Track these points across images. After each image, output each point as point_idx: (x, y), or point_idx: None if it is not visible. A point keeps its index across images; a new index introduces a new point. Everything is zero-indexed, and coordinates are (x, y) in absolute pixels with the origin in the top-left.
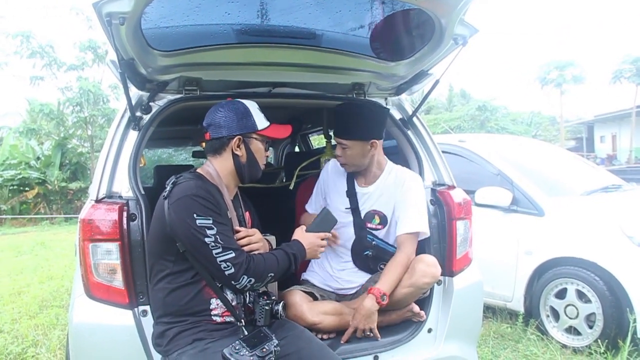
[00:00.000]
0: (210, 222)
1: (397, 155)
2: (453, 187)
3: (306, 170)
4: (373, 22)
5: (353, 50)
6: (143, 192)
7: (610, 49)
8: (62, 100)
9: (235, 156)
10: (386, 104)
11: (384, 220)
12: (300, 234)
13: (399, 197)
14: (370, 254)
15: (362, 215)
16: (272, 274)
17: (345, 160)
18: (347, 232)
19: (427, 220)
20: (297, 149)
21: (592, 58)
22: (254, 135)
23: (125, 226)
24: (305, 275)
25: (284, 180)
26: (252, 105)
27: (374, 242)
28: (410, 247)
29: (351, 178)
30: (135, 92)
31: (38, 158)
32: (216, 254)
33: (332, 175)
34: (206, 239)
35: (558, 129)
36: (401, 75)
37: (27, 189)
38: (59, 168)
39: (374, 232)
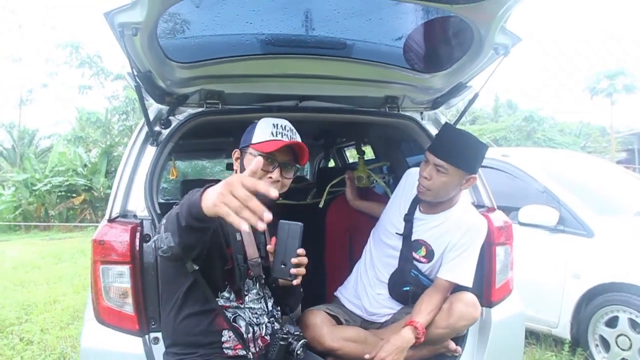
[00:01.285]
0: None
1: None
2: (493, 209)
3: (338, 187)
4: (407, 31)
5: (386, 61)
6: (159, 212)
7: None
8: (109, 108)
9: (236, 172)
10: (421, 118)
11: (430, 255)
12: None
13: (455, 240)
14: (410, 290)
15: (410, 242)
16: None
17: (433, 185)
18: (389, 260)
19: (474, 273)
20: (333, 163)
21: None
22: (249, 150)
23: (137, 248)
24: (338, 291)
25: (315, 198)
26: (266, 121)
27: (416, 277)
28: (448, 292)
29: (416, 201)
30: (154, 106)
31: (85, 165)
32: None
33: (406, 187)
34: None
35: (608, 140)
36: (437, 88)
37: (74, 195)
38: (105, 175)
39: (417, 263)
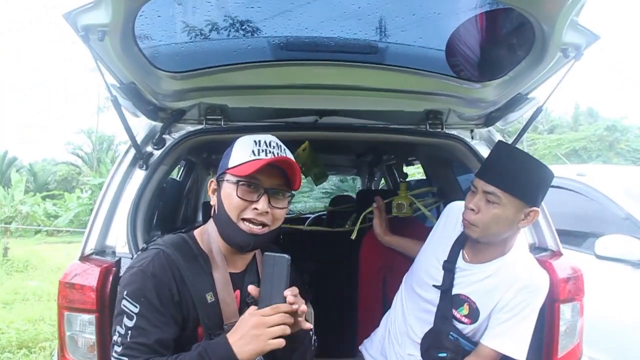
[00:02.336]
0: (136, 310)
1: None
2: (558, 253)
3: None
4: (451, 30)
5: (426, 68)
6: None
7: None
8: None
9: (212, 208)
10: (471, 137)
11: (474, 314)
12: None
13: (507, 298)
14: (447, 357)
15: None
16: None
17: (482, 220)
18: (424, 315)
19: (528, 342)
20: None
21: None
22: (225, 176)
23: (108, 294)
24: (363, 346)
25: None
26: (245, 140)
27: (456, 341)
28: None
29: (459, 244)
30: (146, 123)
31: None
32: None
33: (447, 226)
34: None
35: None
36: (491, 100)
37: None
38: None
39: (457, 323)
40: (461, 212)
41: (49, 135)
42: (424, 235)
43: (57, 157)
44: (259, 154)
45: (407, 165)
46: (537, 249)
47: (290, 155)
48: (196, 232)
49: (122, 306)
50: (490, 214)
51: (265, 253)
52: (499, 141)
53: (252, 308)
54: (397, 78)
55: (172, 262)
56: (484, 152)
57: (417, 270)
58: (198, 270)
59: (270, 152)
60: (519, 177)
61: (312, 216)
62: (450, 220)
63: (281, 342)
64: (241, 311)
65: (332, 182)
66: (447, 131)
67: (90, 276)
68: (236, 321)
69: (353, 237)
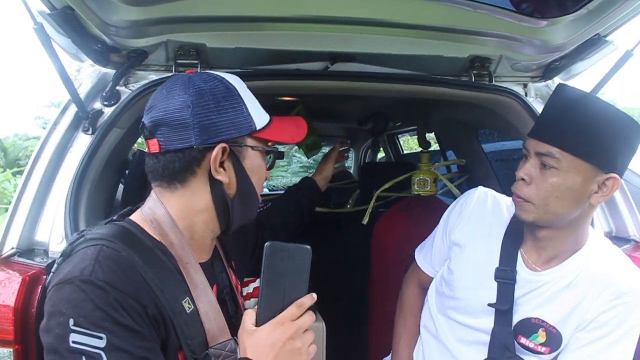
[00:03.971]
0: (102, 344)
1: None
2: None
3: (390, 193)
4: None
5: None
6: None
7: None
8: None
9: (215, 185)
10: (525, 94)
11: (554, 342)
12: (243, 341)
13: (595, 311)
14: None
15: (514, 323)
16: None
17: (538, 193)
18: (473, 348)
19: None
20: (380, 155)
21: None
22: (250, 142)
23: (34, 315)
24: None
25: (358, 204)
26: (236, 82)
27: None
28: None
29: (515, 241)
30: (93, 69)
31: None
32: None
33: (475, 214)
34: None
35: None
36: (558, 43)
37: None
38: None
39: (530, 355)
40: (490, 198)
41: (20, 109)
42: None
43: (29, 132)
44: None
45: (424, 134)
46: (615, 239)
47: None
48: (137, 219)
49: (73, 345)
50: (547, 184)
51: (268, 243)
52: (560, 84)
53: (250, 314)
54: (434, 11)
55: (126, 261)
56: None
57: (450, 288)
58: (162, 268)
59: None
60: (585, 129)
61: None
62: (482, 202)
63: (314, 348)
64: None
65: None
66: (498, 84)
67: (6, 289)
68: (226, 341)
69: (365, 221)
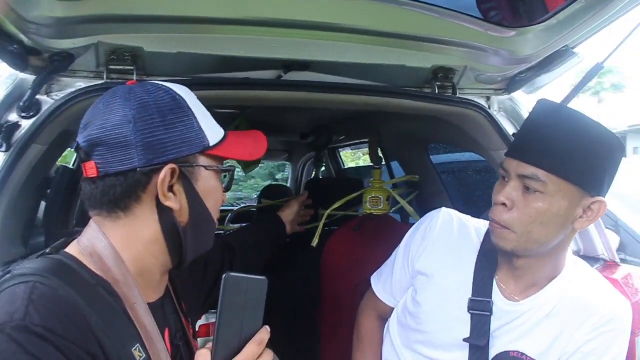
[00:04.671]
0: None
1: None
2: (613, 265)
3: (338, 211)
4: None
5: (441, 4)
6: None
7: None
8: None
9: (164, 212)
10: (488, 108)
11: None
12: None
13: (578, 341)
14: None
15: (491, 357)
16: None
17: (520, 220)
18: None
19: None
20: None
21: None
22: (203, 160)
23: None
24: None
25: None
26: (185, 93)
27: None
28: None
29: (489, 269)
30: (7, 75)
31: None
32: None
33: (441, 240)
34: None
35: None
36: (526, 54)
37: None
38: None
39: None
40: (456, 221)
41: None
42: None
43: None
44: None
45: (376, 148)
46: (583, 258)
47: None
48: (74, 251)
49: None
50: (531, 210)
51: (226, 275)
52: (541, 100)
53: (205, 355)
54: (398, 16)
55: (66, 300)
56: (508, 128)
57: (417, 322)
58: (108, 309)
59: None
60: (575, 150)
61: (232, 210)
62: (449, 235)
63: None
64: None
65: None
66: (463, 97)
67: None
68: None
69: (314, 243)
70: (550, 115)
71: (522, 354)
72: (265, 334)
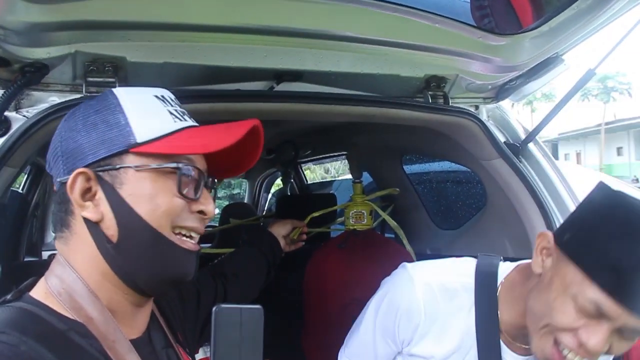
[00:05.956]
0: None
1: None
2: None
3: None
4: None
5: (433, 11)
6: None
7: (582, 67)
8: None
9: (91, 226)
10: (478, 115)
11: None
12: None
13: None
14: None
15: None
16: None
17: (613, 353)
18: None
19: None
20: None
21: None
22: (131, 160)
23: None
24: None
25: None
26: (141, 95)
27: None
28: None
29: (491, 328)
30: None
31: None
32: None
33: (430, 318)
34: None
35: None
36: (518, 62)
37: None
38: None
39: None
40: (436, 290)
41: None
42: (398, 253)
43: None
44: (183, 119)
45: (356, 162)
46: None
47: None
48: (39, 294)
49: None
50: (622, 349)
51: (222, 306)
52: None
53: None
54: (391, 24)
55: (27, 357)
56: (498, 136)
57: None
58: (81, 357)
59: (184, 114)
60: None
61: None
62: (436, 311)
63: None
64: None
65: None
66: (456, 105)
67: None
68: None
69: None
70: None
71: None
72: None
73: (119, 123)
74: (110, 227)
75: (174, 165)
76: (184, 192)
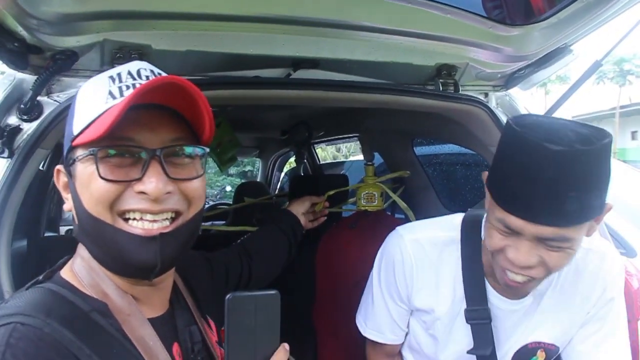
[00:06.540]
0: None
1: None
2: None
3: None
4: None
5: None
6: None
7: (598, 50)
8: None
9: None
10: (487, 103)
11: (552, 356)
12: None
13: (588, 312)
14: None
15: (508, 355)
16: None
17: (549, 270)
18: None
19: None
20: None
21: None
22: (79, 152)
23: None
24: None
25: None
26: (97, 81)
27: None
28: None
29: (476, 274)
30: (7, 74)
31: None
32: None
33: (420, 266)
34: None
35: None
36: (527, 52)
37: None
38: None
39: None
40: (426, 245)
41: None
42: None
43: None
44: (121, 95)
45: (369, 145)
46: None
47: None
48: (66, 273)
49: None
50: (558, 262)
51: (234, 295)
52: (524, 133)
53: None
54: (405, 14)
55: (50, 339)
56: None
57: (434, 351)
58: (103, 337)
59: (137, 84)
60: (591, 191)
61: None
62: (426, 264)
63: None
64: None
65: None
66: (465, 94)
67: None
68: None
69: None
70: (554, 160)
71: (539, 343)
72: (281, 355)
73: (72, 115)
74: (75, 217)
75: (89, 152)
76: (107, 175)
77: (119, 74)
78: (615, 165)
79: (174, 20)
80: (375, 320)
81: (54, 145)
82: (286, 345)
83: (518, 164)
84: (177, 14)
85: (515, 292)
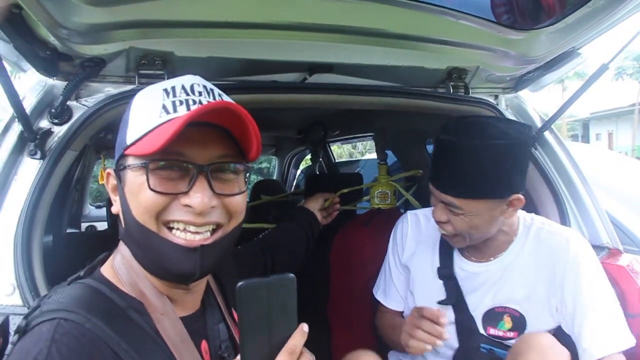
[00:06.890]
0: None
1: None
2: (617, 252)
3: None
4: None
5: (455, 6)
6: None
7: (614, 45)
8: None
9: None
10: (496, 105)
11: (519, 324)
12: None
13: (556, 280)
14: None
15: (478, 315)
16: None
17: (456, 230)
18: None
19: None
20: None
21: (595, 54)
22: (130, 161)
23: None
24: None
25: None
26: (149, 92)
27: (491, 354)
28: None
29: (445, 246)
30: (37, 81)
31: None
32: None
33: (413, 236)
34: None
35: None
36: (535, 55)
37: None
38: None
39: (499, 340)
40: (421, 218)
41: None
42: None
43: None
44: (174, 110)
45: (382, 144)
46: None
47: (229, 100)
48: (106, 270)
49: None
50: (461, 225)
51: (243, 283)
52: (444, 125)
53: None
54: (417, 19)
55: (91, 335)
56: None
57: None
58: (138, 334)
59: (193, 101)
60: (474, 173)
61: None
62: (414, 223)
63: None
64: None
65: None
66: (475, 96)
67: None
68: None
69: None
70: (453, 137)
71: (505, 307)
72: (298, 338)
73: (126, 124)
74: (122, 221)
75: (141, 163)
76: (156, 187)
77: (173, 88)
78: (631, 163)
79: (195, 28)
80: (384, 289)
81: (83, 147)
82: (305, 326)
83: (436, 144)
84: (198, 22)
85: (454, 245)
